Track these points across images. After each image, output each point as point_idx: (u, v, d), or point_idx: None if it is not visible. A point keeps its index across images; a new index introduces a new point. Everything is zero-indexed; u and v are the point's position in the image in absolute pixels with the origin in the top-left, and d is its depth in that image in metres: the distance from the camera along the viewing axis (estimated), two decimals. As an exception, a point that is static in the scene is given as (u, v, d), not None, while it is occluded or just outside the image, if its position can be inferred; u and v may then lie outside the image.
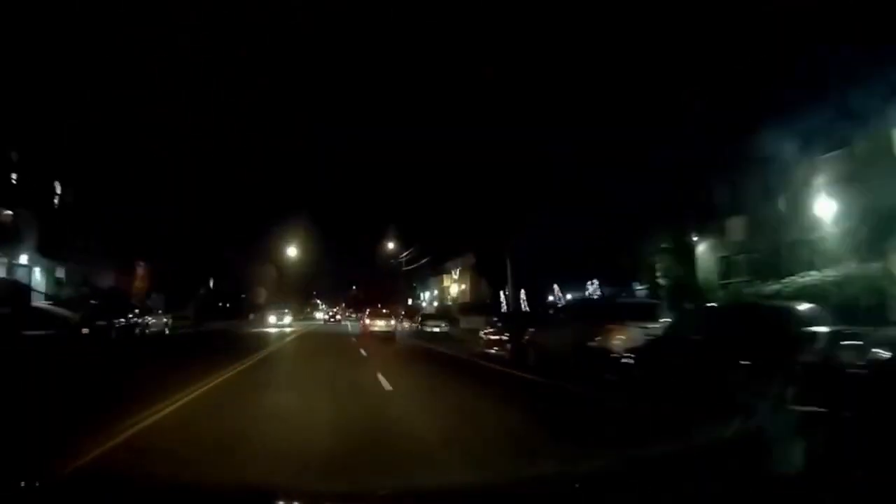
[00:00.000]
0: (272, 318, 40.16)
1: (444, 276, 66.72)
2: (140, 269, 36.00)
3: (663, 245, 21.11)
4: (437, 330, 29.44)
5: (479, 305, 43.80)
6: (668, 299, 18.23)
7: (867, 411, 5.37)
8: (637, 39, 21.50)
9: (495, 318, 19.80)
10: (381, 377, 10.79)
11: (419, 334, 29.91)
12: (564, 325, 12.16)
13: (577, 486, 3.36)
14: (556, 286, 31.85)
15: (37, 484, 2.65)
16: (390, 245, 58.61)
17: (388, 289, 76.22)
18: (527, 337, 13.17)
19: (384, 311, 33.19)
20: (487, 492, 3.65)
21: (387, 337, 26.95)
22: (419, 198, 53.78)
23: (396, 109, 56.71)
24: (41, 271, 26.54)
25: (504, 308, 39.50)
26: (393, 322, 30.40)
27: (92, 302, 20.37)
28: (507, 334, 14.99)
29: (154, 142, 29.32)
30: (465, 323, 36.43)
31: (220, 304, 49.30)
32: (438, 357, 17.92)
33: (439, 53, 34.29)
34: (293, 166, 61.73)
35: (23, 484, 2.55)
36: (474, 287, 57.24)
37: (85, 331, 17.18)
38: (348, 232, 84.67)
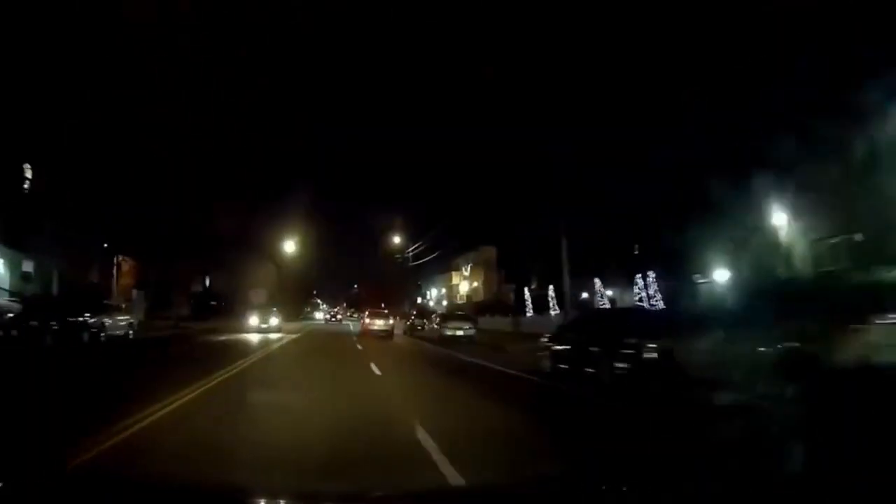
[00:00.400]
0: (253, 321, 31.55)
1: (453, 272, 63.44)
2: (126, 265, 33.32)
3: (745, 229, 17.76)
4: (460, 333, 25.32)
5: (499, 304, 40.62)
6: (754, 291, 14.88)
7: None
8: (637, 39, 21.88)
9: (574, 319, 15.52)
10: (425, 440, 5.62)
11: (441, 339, 25.78)
12: (757, 327, 7.49)
13: (603, 487, 3.06)
14: (597, 281, 28.29)
15: None
16: (396, 240, 55.54)
17: (390, 288, 73.24)
18: (650, 352, 9.01)
19: (384, 311, 34.83)
20: (487, 492, 3.45)
21: (385, 335, 28.17)
22: (423, 194, 52.58)
23: (397, 109, 55.28)
24: (5, 264, 23.75)
25: (529, 307, 36.36)
26: (391, 321, 31.07)
27: (26, 298, 17.18)
28: (598, 345, 10.63)
29: (153, 141, 28.83)
30: (482, 323, 33.24)
31: (215, 303, 46.55)
32: (490, 378, 12.62)
33: (439, 53, 34.15)
34: (293, 166, 60.51)
35: None
36: (488, 284, 53.83)
37: (14, 332, 14.25)
38: (350, 231, 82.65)
